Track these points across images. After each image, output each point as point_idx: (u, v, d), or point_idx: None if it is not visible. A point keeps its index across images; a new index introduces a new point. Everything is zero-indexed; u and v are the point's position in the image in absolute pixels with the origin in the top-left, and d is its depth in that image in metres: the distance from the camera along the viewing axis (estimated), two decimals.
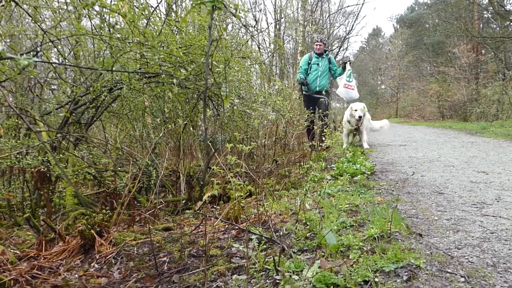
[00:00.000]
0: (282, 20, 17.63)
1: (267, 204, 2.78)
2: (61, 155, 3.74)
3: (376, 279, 1.38)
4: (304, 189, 2.82)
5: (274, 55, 17.62)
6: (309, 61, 6.89)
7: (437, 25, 27.27)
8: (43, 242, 2.77)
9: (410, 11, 37.21)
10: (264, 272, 1.63)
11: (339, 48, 23.54)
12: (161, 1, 4.41)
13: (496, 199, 2.69)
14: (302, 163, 5.04)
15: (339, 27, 23.64)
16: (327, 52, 7.04)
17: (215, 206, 3.68)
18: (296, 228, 2.16)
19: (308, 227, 2.19)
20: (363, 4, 19.61)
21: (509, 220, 2.14)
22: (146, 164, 3.76)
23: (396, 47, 36.64)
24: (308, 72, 6.89)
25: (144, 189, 4.36)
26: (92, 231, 2.63)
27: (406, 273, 1.43)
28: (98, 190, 4.51)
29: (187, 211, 3.67)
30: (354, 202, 2.55)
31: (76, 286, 2.05)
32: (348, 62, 6.95)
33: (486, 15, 22.79)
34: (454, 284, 1.34)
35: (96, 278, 2.15)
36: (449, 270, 1.45)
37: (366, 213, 2.28)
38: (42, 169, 3.22)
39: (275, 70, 16.84)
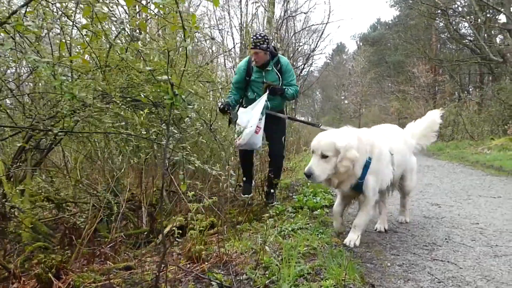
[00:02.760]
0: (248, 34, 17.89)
1: (228, 245, 2.80)
2: (18, 186, 3.61)
3: None
4: (265, 231, 2.86)
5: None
6: (247, 74, 4.20)
7: (398, 44, 28.42)
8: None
9: (373, 29, 38.61)
10: None
11: (304, 65, 24.11)
12: (122, 29, 4.39)
13: (446, 239, 2.85)
14: (263, 189, 5.08)
15: (303, 44, 24.25)
16: (275, 57, 4.13)
17: (177, 239, 3.66)
18: (255, 275, 2.19)
19: (268, 273, 2.23)
20: (327, 23, 20.06)
21: (455, 266, 2.28)
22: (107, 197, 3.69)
23: (359, 64, 37.78)
24: (246, 93, 4.32)
25: (104, 219, 4.27)
26: (50, 275, 2.56)
27: None
28: (57, 215, 4.37)
29: (149, 244, 3.63)
30: (312, 245, 2.61)
31: None
32: (268, 89, 4.04)
33: (443, 37, 24.00)
34: None
35: None
36: None
37: (323, 257, 2.35)
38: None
39: None
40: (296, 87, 4.27)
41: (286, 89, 4.10)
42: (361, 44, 38.26)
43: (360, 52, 37.88)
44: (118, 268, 2.90)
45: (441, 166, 7.86)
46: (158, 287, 2.11)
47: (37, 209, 3.81)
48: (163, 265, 2.21)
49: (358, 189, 2.76)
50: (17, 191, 3.77)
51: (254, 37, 4.03)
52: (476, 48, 16.74)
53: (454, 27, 17.91)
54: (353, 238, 2.73)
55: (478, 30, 15.88)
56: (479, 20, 15.06)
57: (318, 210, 3.61)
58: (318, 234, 2.88)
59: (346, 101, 46.44)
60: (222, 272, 2.39)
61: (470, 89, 26.33)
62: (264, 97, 4.02)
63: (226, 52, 12.32)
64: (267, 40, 3.99)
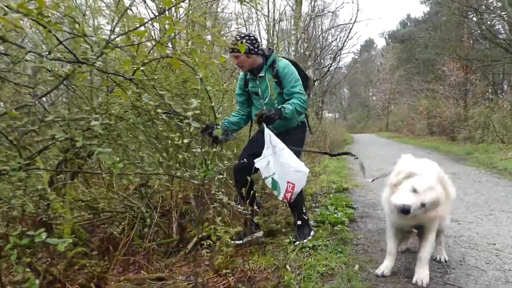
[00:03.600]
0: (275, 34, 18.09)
1: (252, 261, 3.02)
2: (60, 195, 3.95)
3: None
4: (287, 250, 3.08)
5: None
6: (245, 84, 3.60)
7: (428, 41, 27.86)
8: None
9: (402, 26, 37.92)
10: None
11: (332, 63, 24.09)
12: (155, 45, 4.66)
13: (460, 261, 2.97)
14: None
15: (331, 42, 24.21)
16: (271, 59, 3.38)
17: (206, 250, 3.91)
18: None
19: None
20: (354, 23, 19.94)
21: None
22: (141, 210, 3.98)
23: (387, 61, 37.28)
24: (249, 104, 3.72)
25: (138, 228, 4.57)
26: (92, 284, 2.86)
27: None
28: (92, 219, 4.72)
29: (179, 253, 3.90)
30: (330, 264, 2.80)
31: None
32: (261, 120, 3.19)
33: (475, 34, 23.39)
34: None
35: None
36: None
37: (340, 279, 2.54)
38: (43, 218, 3.44)
39: None
40: (300, 96, 3.30)
41: (283, 109, 3.18)
42: (390, 41, 37.61)
43: (389, 49, 37.38)
44: (151, 279, 3.18)
45: (467, 174, 7.82)
46: None
47: (76, 215, 4.15)
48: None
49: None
50: (59, 199, 4.12)
51: (235, 38, 3.33)
52: (510, 47, 16.26)
53: (487, 25, 17.43)
54: (424, 274, 2.56)
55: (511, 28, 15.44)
56: None
57: (339, 226, 3.78)
58: (336, 253, 3.07)
59: (374, 98, 45.90)
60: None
61: (505, 86, 25.63)
62: (266, 131, 3.18)
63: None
64: (250, 41, 3.27)
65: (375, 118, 41.82)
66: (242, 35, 3.33)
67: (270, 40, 15.06)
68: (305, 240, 3.42)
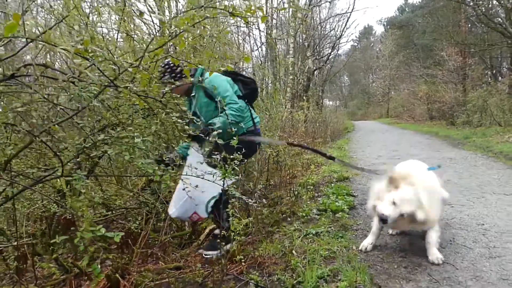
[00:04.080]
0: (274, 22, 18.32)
1: (261, 248, 3.32)
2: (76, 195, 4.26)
3: None
4: (292, 237, 3.38)
5: (267, 59, 18.27)
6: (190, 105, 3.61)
7: (426, 27, 27.94)
8: (73, 282, 3.28)
9: (400, 12, 37.87)
10: None
11: (331, 52, 24.26)
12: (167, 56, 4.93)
13: (450, 241, 3.27)
14: (292, 189, 5.58)
15: (329, 32, 24.38)
16: (195, 78, 3.28)
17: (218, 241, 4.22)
18: (285, 277, 2.71)
19: (294, 275, 2.74)
20: (351, 12, 20.14)
21: (453, 267, 2.72)
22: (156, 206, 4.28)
23: (386, 47, 37.35)
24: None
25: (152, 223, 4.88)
26: (117, 275, 3.17)
27: None
28: (106, 215, 5.04)
29: (191, 245, 4.21)
30: (332, 248, 3.11)
31: None
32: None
33: (472, 19, 23.46)
34: None
35: None
36: None
37: (341, 261, 2.84)
38: (68, 217, 3.75)
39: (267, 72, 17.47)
40: (230, 106, 3.17)
41: (213, 124, 3.07)
42: (388, 27, 37.60)
43: (387, 36, 37.42)
44: (169, 268, 3.49)
45: (464, 159, 8.10)
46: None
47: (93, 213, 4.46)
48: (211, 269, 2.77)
49: None
50: (77, 199, 4.43)
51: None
52: (505, 31, 16.40)
53: (482, 10, 17.54)
54: (436, 254, 2.87)
55: (507, 13, 15.57)
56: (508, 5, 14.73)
57: (340, 213, 4.08)
58: (338, 238, 3.37)
59: (374, 84, 46.00)
60: (257, 273, 2.90)
61: (504, 69, 25.72)
62: (191, 150, 3.09)
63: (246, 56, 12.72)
64: (170, 68, 3.24)
65: (375, 105, 41.98)
66: (162, 65, 3.27)
67: (269, 32, 15.28)
68: (215, 255, 3.40)
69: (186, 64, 3.05)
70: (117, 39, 4.78)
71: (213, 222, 4.17)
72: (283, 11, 20.01)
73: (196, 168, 2.61)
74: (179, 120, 1.99)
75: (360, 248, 3.16)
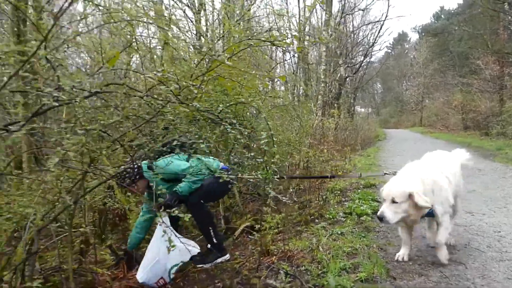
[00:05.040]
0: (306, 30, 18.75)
1: (291, 243, 3.72)
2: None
3: None
4: (319, 235, 3.77)
5: (298, 66, 18.66)
6: None
7: (463, 34, 27.50)
8: (124, 266, 3.77)
9: (435, 18, 37.33)
10: None
11: (363, 60, 24.33)
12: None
13: (465, 244, 3.56)
14: (320, 193, 5.94)
15: (362, 39, 24.51)
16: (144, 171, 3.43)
17: (249, 236, 4.64)
18: (311, 268, 3.10)
19: (319, 266, 3.13)
20: (384, 20, 20.24)
21: (463, 267, 3.03)
22: None
23: (421, 54, 36.88)
24: None
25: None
26: None
27: None
28: None
29: (227, 240, 4.66)
30: (355, 246, 3.48)
31: None
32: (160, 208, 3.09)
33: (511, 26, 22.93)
34: None
35: None
36: None
37: (362, 257, 3.21)
38: (120, 211, 4.29)
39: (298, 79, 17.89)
40: (187, 179, 3.41)
41: (178, 190, 3.39)
42: (423, 34, 37.12)
43: (422, 43, 36.97)
44: None
45: (493, 170, 8.19)
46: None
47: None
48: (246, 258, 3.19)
49: (429, 215, 3.14)
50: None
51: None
52: None
53: None
54: (443, 253, 3.09)
55: None
56: None
57: (364, 217, 4.43)
58: (360, 238, 3.73)
59: (407, 92, 45.38)
60: (287, 264, 3.30)
61: None
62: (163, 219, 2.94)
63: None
64: (131, 170, 3.30)
65: (408, 113, 41.40)
66: (121, 171, 3.21)
67: (302, 39, 15.64)
68: (205, 265, 3.54)
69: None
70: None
71: (247, 221, 4.60)
72: (315, 18, 20.39)
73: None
74: (232, 131, 2.43)
75: (396, 258, 3.27)
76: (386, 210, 2.91)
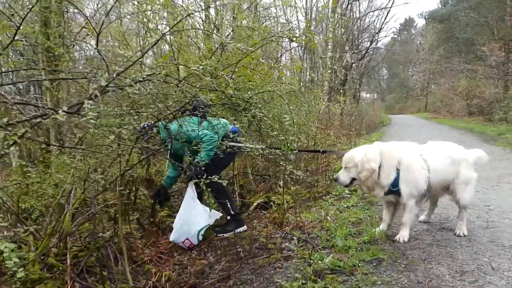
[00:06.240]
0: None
1: (302, 215, 4.20)
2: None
3: (360, 264, 2.79)
4: (327, 209, 4.25)
5: (305, 52, 18.98)
6: None
7: (469, 20, 27.44)
8: (151, 236, 4.21)
9: (443, 4, 37.14)
10: (303, 259, 3.06)
11: (369, 46, 24.52)
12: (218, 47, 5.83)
13: (456, 215, 4.00)
14: (327, 174, 6.40)
15: (368, 25, 24.65)
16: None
17: (263, 211, 5.11)
18: (321, 234, 3.58)
19: (328, 232, 3.60)
20: (391, 7, 20.38)
21: (453, 232, 3.49)
22: None
23: (427, 40, 36.84)
24: None
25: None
26: None
27: (375, 262, 2.83)
28: None
29: (243, 214, 5.13)
30: (359, 216, 3.95)
31: (188, 264, 3.50)
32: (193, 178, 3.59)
33: None
34: (397, 269, 2.74)
35: (199, 260, 3.59)
36: (398, 261, 2.85)
37: (365, 225, 3.68)
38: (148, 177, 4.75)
39: (305, 65, 18.24)
40: (205, 141, 3.66)
41: (200, 160, 3.60)
42: (429, 20, 37.00)
43: (428, 29, 36.89)
44: None
45: (491, 153, 8.54)
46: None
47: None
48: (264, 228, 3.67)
49: (396, 194, 3.32)
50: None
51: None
52: None
53: None
54: (403, 234, 3.35)
55: None
56: None
57: None
58: (364, 210, 4.21)
59: (413, 78, 45.38)
60: (299, 232, 3.78)
61: None
62: (190, 188, 3.72)
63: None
64: (144, 130, 3.29)
65: (414, 99, 41.55)
66: (139, 129, 3.23)
67: (308, 25, 15.91)
68: (225, 234, 3.99)
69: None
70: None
71: (260, 197, 5.08)
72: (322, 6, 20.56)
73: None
74: (259, 114, 2.89)
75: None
76: (340, 174, 3.36)
